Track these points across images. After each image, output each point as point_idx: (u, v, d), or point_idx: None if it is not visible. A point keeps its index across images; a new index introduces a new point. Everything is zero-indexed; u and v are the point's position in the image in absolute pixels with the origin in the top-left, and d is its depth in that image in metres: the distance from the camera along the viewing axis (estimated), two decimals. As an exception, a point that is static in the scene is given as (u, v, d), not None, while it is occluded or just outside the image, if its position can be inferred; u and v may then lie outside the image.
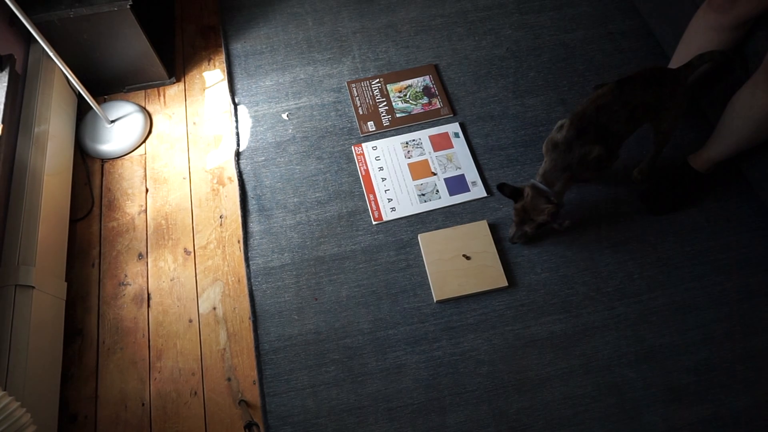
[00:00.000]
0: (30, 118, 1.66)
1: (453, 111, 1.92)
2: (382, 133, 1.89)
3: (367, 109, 1.93)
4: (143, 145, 1.89)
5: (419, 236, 1.67)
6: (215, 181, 1.82)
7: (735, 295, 1.57)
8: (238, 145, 1.87)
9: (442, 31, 2.09)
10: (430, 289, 1.60)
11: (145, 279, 1.66)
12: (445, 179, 1.78)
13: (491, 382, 1.48)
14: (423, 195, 1.76)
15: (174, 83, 2.01)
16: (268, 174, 1.81)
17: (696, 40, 1.56)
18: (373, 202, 1.75)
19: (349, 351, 1.53)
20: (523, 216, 1.52)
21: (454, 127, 1.88)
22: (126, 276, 1.66)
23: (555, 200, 1.45)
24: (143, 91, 2.00)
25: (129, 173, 1.84)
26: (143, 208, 1.77)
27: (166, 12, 2.16)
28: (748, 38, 1.50)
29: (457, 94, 1.95)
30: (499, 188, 1.52)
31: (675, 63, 1.67)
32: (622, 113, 1.41)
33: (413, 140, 1.86)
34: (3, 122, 1.47)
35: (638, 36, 2.04)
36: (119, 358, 1.55)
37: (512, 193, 1.51)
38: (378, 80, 1.98)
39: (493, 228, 1.68)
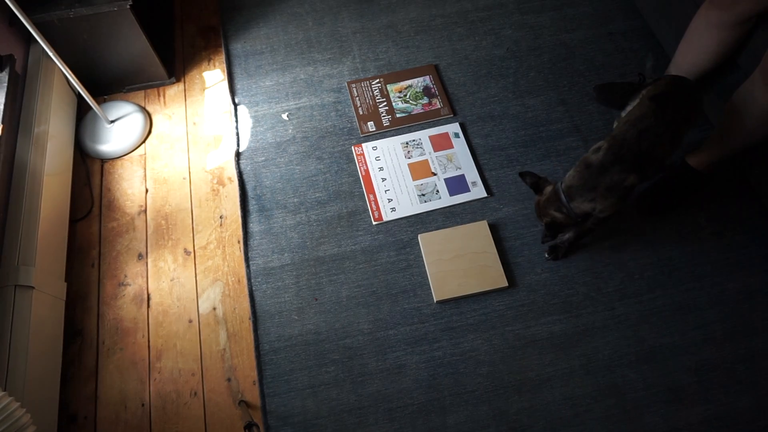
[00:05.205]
0: (30, 118, 1.66)
1: (453, 111, 1.92)
2: (382, 133, 1.89)
3: (367, 109, 1.93)
4: (143, 145, 1.89)
5: (419, 236, 1.67)
6: (215, 182, 1.82)
7: (735, 295, 1.57)
8: (238, 145, 1.87)
9: (442, 31, 2.09)
10: (430, 289, 1.60)
11: (145, 279, 1.66)
12: (445, 179, 1.78)
13: (491, 382, 1.48)
14: (423, 195, 1.76)
15: (174, 83, 2.01)
16: (268, 174, 1.81)
17: (697, 38, 1.56)
18: (373, 203, 1.75)
19: (349, 351, 1.53)
20: (537, 212, 1.50)
21: (454, 128, 1.87)
22: (126, 276, 1.66)
23: (567, 212, 1.41)
24: (143, 91, 2.00)
25: (129, 173, 1.84)
26: (143, 208, 1.77)
27: (166, 12, 2.16)
28: (747, 36, 1.50)
29: (457, 94, 1.95)
30: (520, 175, 1.49)
31: (676, 63, 1.67)
32: (666, 135, 1.34)
33: (413, 140, 1.86)
34: (3, 122, 1.47)
35: (638, 36, 2.04)
36: (119, 358, 1.55)
37: (532, 184, 1.48)
38: (378, 80, 1.98)
39: (493, 228, 1.68)
